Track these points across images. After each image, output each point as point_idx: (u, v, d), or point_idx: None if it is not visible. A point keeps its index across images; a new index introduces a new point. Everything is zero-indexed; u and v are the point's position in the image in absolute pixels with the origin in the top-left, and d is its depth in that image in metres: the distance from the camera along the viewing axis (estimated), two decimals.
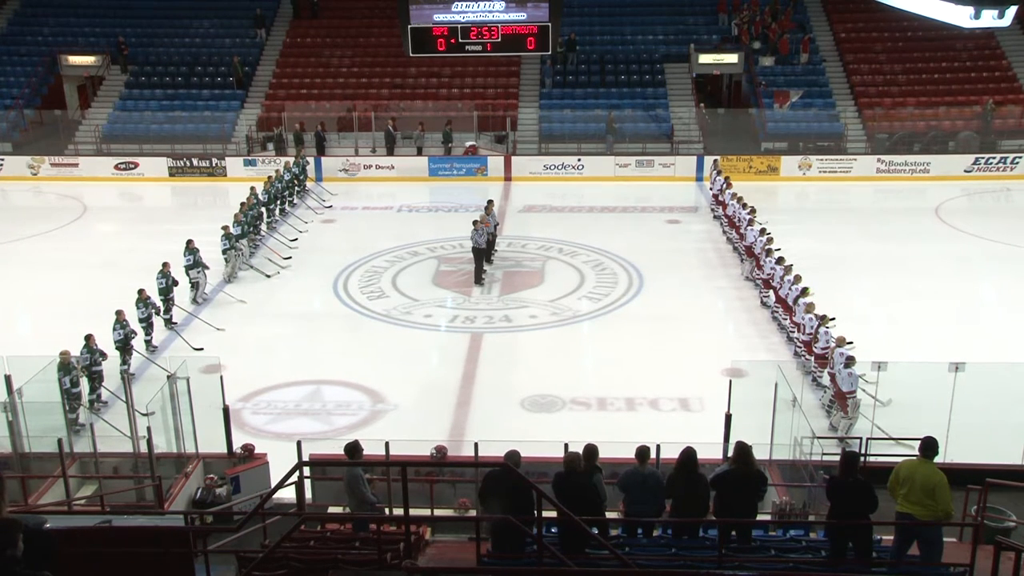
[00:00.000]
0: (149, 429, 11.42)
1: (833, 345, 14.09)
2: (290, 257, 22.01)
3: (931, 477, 7.79)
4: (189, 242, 18.89)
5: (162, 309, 17.40)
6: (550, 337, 17.70)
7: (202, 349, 16.51)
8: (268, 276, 20.80)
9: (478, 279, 20.15)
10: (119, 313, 15.25)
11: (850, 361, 13.23)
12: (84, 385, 13.98)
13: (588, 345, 17.83)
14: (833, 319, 15.15)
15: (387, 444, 10.53)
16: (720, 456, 10.62)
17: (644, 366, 16.08)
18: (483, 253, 20.38)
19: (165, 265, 17.73)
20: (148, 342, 16.48)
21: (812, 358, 15.17)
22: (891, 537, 8.43)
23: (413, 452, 11.00)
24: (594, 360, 17.07)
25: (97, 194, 28.80)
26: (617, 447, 9.06)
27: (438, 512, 10.50)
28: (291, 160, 28.14)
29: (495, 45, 14.30)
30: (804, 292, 15.93)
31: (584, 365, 16.87)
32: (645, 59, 34.04)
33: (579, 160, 29.98)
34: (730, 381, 12.22)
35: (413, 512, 7.98)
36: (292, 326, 18.24)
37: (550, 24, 13.96)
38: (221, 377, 12.57)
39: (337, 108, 31.84)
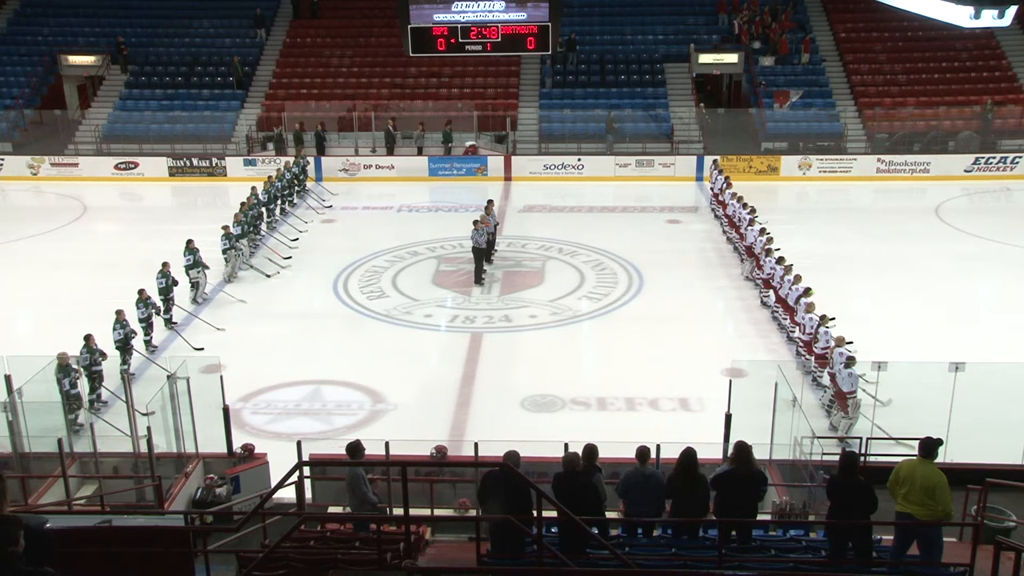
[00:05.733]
0: (149, 429, 11.42)
1: (833, 345, 14.08)
2: (290, 257, 22.01)
3: (931, 477, 7.79)
4: (189, 242, 18.89)
5: (162, 309, 17.41)
6: (550, 337, 17.70)
7: (202, 349, 16.52)
8: (268, 276, 20.80)
9: (478, 279, 20.14)
10: (119, 313, 15.25)
11: (850, 361, 13.22)
12: (84, 385, 13.98)
13: (588, 345, 17.82)
14: (833, 319, 15.14)
15: (387, 444, 10.52)
16: (720, 456, 10.62)
17: (644, 366, 16.07)
18: (483, 253, 20.37)
19: (165, 265, 17.73)
20: (148, 342, 16.47)
21: (812, 358, 15.16)
22: (891, 537, 8.42)
23: (413, 452, 11.02)
24: (594, 360, 17.06)
25: (97, 194, 28.81)
26: (617, 447, 9.06)
27: (438, 512, 10.50)
28: (291, 160, 28.17)
29: (495, 45, 14.26)
30: (807, 292, 15.89)
31: (584, 365, 16.86)
32: (645, 59, 34.05)
33: (579, 160, 29.98)
34: (730, 381, 12.22)
35: (413, 512, 7.97)
36: (292, 326, 18.23)
37: (550, 24, 13.93)
38: (221, 377, 12.56)
39: (337, 108, 31.84)
